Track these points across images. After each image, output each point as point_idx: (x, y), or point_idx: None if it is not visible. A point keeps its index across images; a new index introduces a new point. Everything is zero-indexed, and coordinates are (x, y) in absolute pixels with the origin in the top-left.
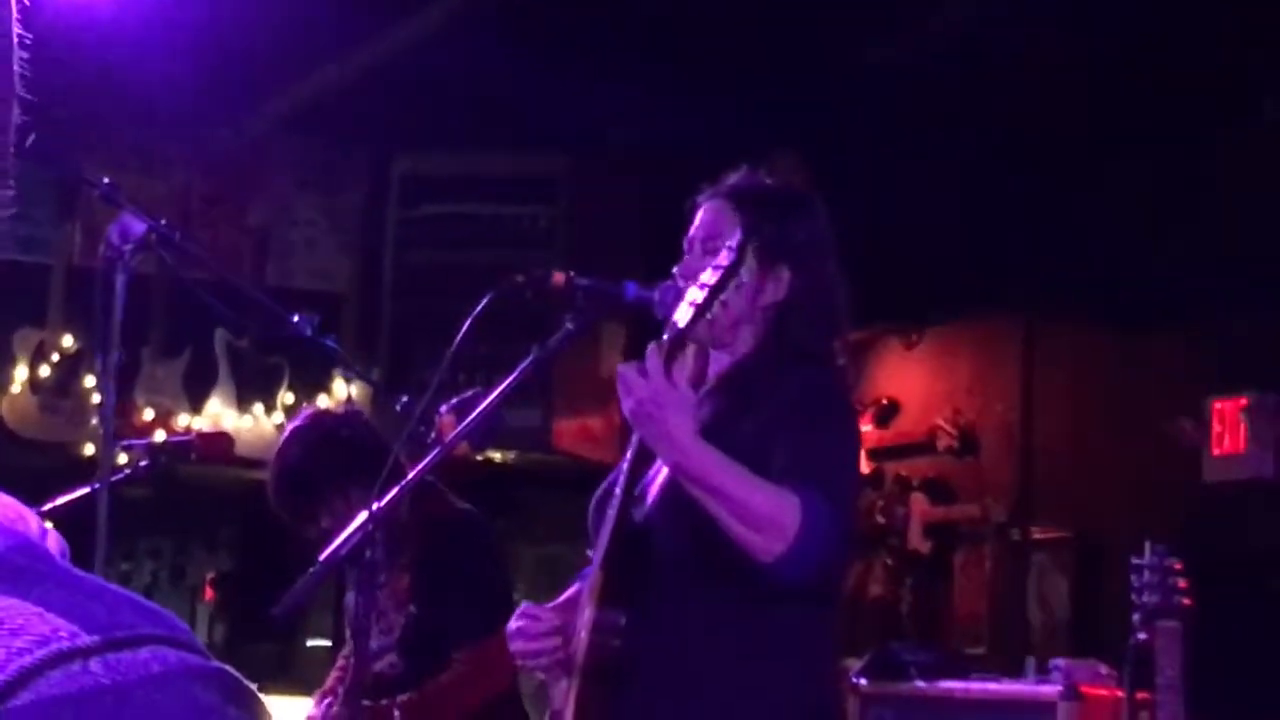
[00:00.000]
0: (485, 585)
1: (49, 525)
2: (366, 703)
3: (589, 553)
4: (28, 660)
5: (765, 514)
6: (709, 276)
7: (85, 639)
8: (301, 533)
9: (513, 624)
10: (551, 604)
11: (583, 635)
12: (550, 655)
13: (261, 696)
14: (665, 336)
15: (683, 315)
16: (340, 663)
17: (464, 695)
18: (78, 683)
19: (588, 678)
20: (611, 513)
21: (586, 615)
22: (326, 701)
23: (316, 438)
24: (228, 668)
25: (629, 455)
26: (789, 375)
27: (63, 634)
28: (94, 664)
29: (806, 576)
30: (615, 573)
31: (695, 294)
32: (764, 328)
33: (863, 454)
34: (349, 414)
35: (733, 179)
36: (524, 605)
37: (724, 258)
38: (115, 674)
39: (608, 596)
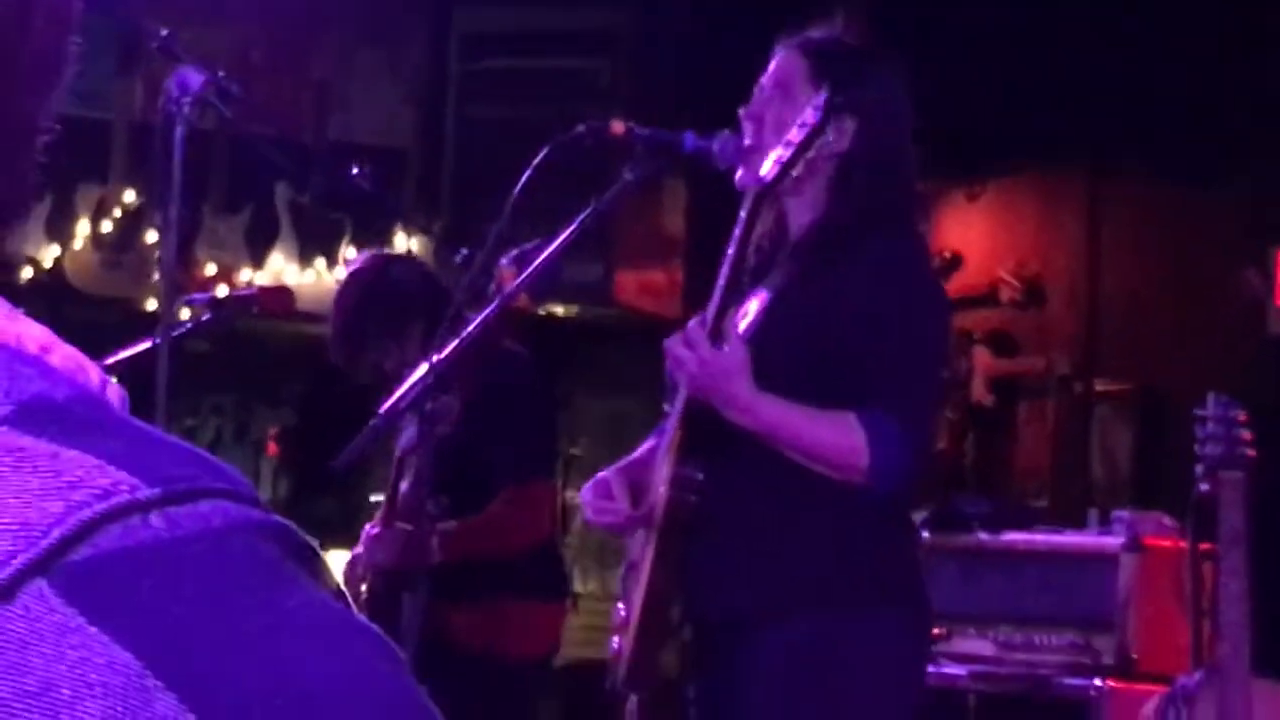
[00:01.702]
0: (533, 427)
1: (111, 378)
2: (407, 527)
3: (666, 407)
4: (86, 514)
5: (834, 454)
6: (795, 134)
7: (145, 492)
8: (358, 377)
9: (584, 494)
10: (626, 461)
11: (661, 490)
12: (623, 516)
13: (321, 552)
14: (751, 191)
15: (768, 170)
16: (383, 507)
17: (504, 533)
18: (137, 536)
19: (665, 532)
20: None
21: (665, 470)
22: (369, 526)
23: (372, 279)
24: (288, 522)
25: (711, 307)
26: (869, 242)
27: (123, 486)
28: (154, 517)
29: (891, 491)
30: (693, 429)
31: (780, 151)
32: (830, 178)
33: (946, 331)
34: (407, 258)
35: (808, 32)
36: (596, 476)
37: (810, 116)
38: (176, 527)
39: (686, 452)
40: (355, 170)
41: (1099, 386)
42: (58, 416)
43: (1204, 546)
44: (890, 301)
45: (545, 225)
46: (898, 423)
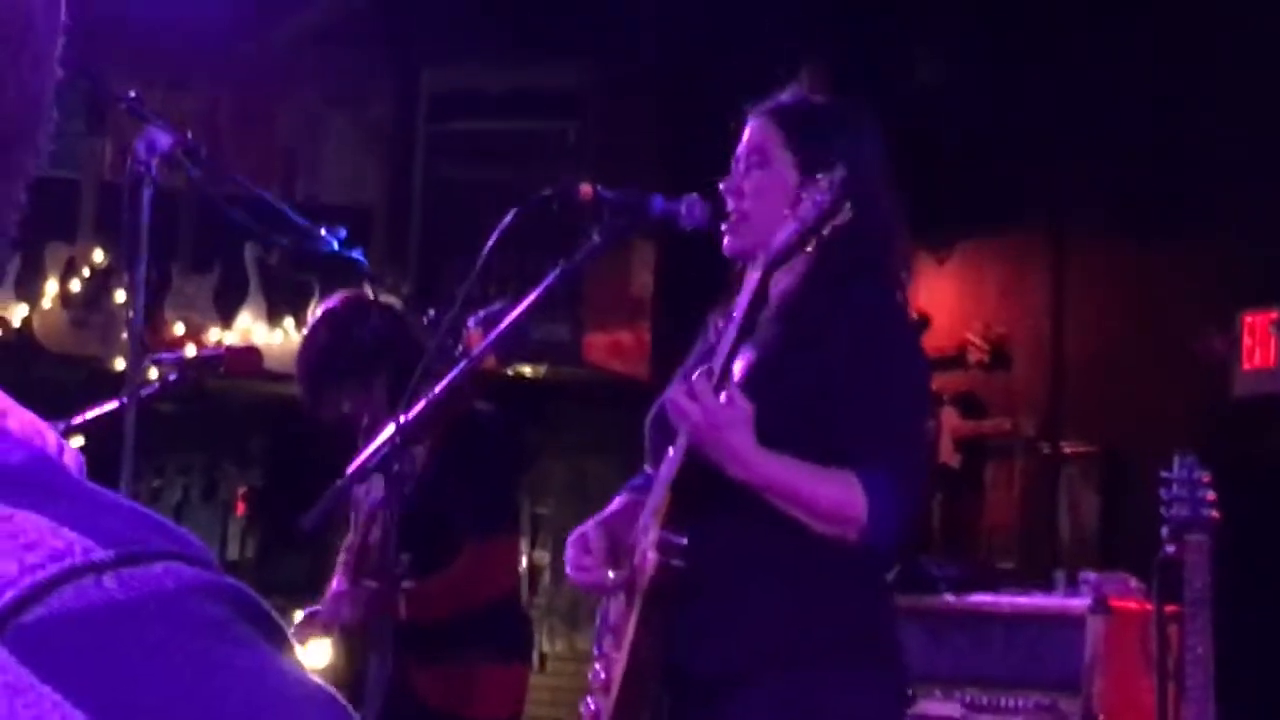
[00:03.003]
0: (498, 483)
1: (75, 440)
2: (373, 584)
3: (648, 469)
4: (41, 575)
5: (833, 509)
6: (808, 211)
7: (100, 554)
8: (322, 418)
9: (568, 549)
10: (604, 515)
11: (649, 555)
12: (604, 578)
13: (277, 617)
14: (761, 263)
15: (780, 242)
16: (343, 556)
17: (467, 590)
18: (89, 597)
19: (650, 598)
20: (684, 438)
21: (651, 536)
22: (335, 583)
23: (346, 318)
24: (242, 585)
25: (718, 360)
26: (847, 293)
27: (77, 548)
28: (107, 579)
29: (883, 548)
30: (682, 494)
31: (791, 226)
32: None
33: (929, 386)
34: (382, 305)
35: (779, 96)
36: (577, 531)
37: (824, 198)
38: (129, 589)
39: (673, 517)
40: (323, 231)
41: (1065, 448)
42: (13, 480)
43: (1170, 608)
44: (876, 357)
45: (514, 286)
46: (893, 479)
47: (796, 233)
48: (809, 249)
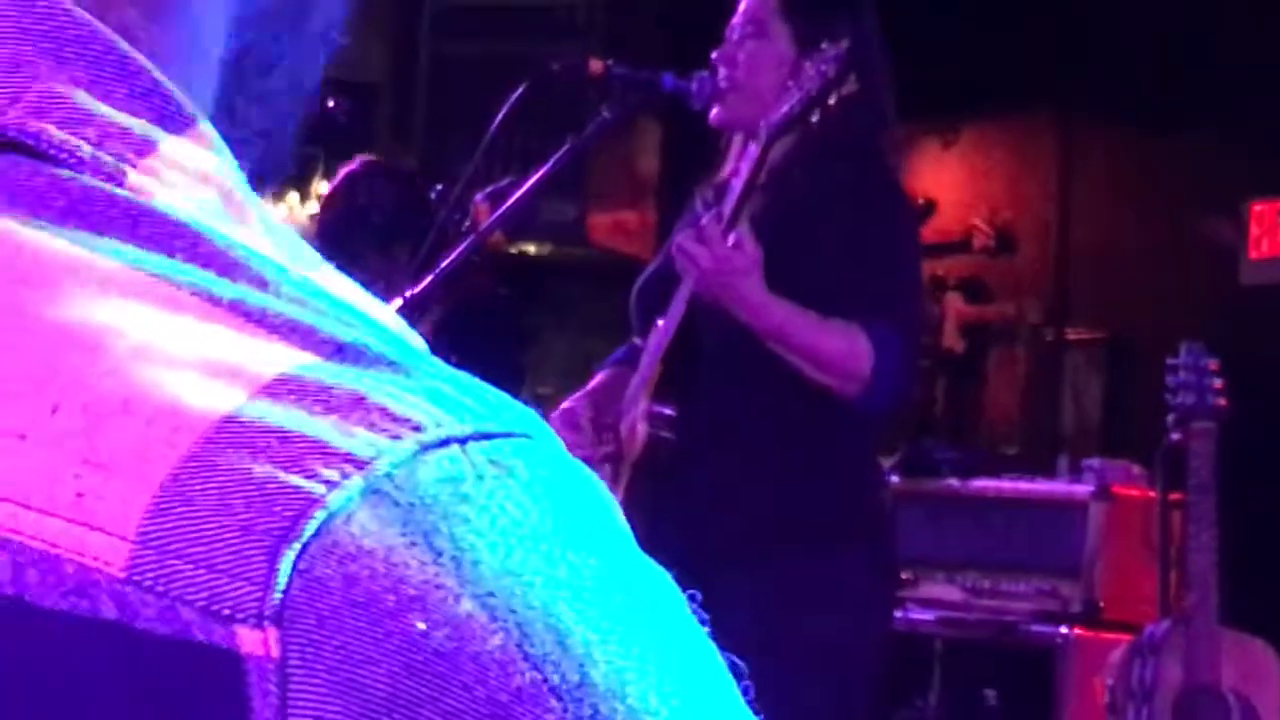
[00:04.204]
0: (499, 363)
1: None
2: None
3: (635, 340)
4: (408, 445)
5: (839, 359)
6: (812, 82)
7: (461, 427)
8: None
9: (553, 421)
10: (588, 389)
11: (639, 428)
12: (592, 455)
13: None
14: (764, 132)
15: (784, 111)
16: None
17: None
18: (455, 469)
19: (640, 469)
20: (676, 308)
21: (641, 407)
22: None
23: (366, 182)
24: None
25: (727, 208)
26: (842, 168)
27: (441, 421)
28: (472, 451)
29: (883, 407)
30: (671, 366)
31: (795, 95)
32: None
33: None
34: (385, 169)
35: None
36: (562, 406)
37: (829, 67)
38: (492, 464)
39: (661, 389)
40: (330, 103)
41: (1070, 335)
42: (373, 359)
43: (1173, 496)
44: (873, 223)
45: (521, 164)
46: (896, 334)
47: (801, 102)
48: (813, 120)
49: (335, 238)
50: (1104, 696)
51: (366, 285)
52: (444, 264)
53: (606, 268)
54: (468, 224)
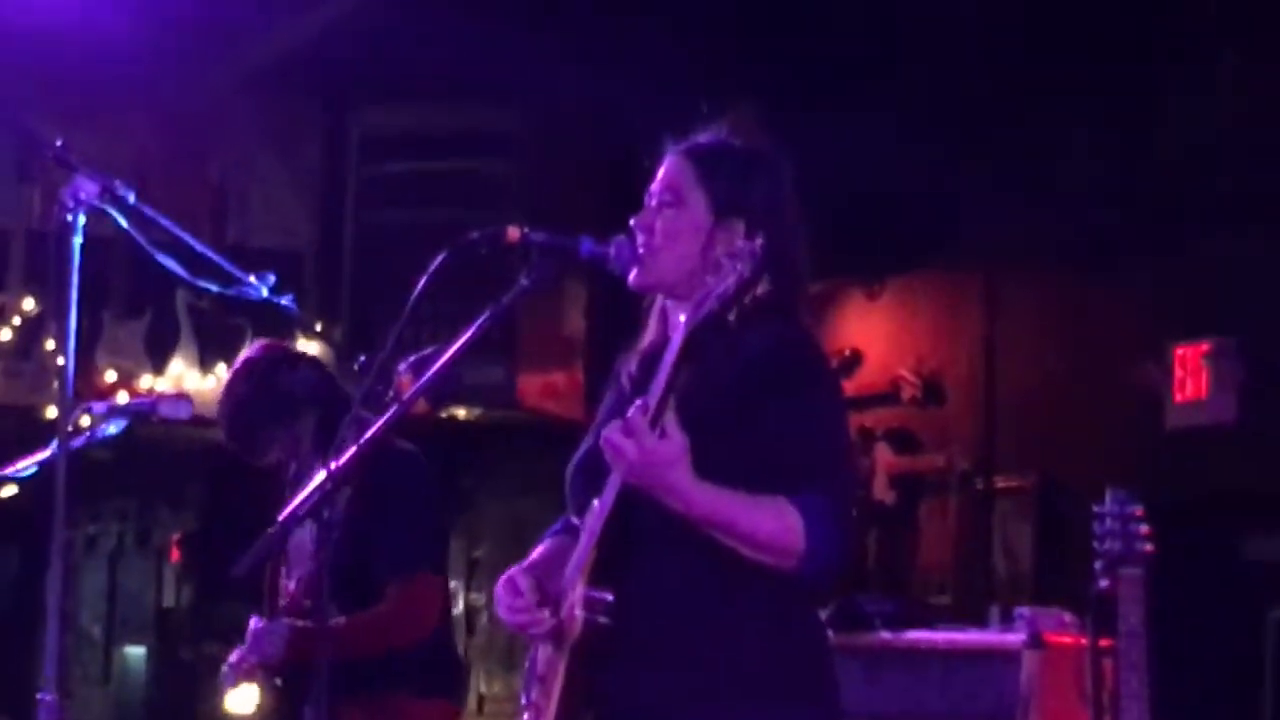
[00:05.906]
0: (420, 521)
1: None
2: (299, 623)
3: (572, 519)
4: None
5: (772, 538)
6: (729, 284)
7: None
8: (253, 463)
9: (498, 591)
10: (530, 561)
11: (576, 613)
12: (537, 625)
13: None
14: (679, 337)
15: (705, 310)
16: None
17: (390, 629)
18: None
19: (577, 655)
20: (609, 493)
21: (578, 592)
22: (254, 618)
23: (265, 367)
24: None
25: (653, 397)
26: (758, 331)
27: None
28: None
29: (823, 575)
30: (607, 549)
31: (716, 293)
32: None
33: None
34: (303, 353)
35: (695, 136)
36: (506, 574)
37: (744, 268)
38: None
39: (598, 573)
40: (251, 277)
41: (999, 483)
42: None
43: (1104, 643)
44: (798, 391)
45: (444, 331)
46: (828, 505)
47: (718, 304)
48: (730, 318)
49: (239, 417)
50: None
51: (276, 460)
52: (368, 434)
53: (536, 429)
54: (391, 394)
